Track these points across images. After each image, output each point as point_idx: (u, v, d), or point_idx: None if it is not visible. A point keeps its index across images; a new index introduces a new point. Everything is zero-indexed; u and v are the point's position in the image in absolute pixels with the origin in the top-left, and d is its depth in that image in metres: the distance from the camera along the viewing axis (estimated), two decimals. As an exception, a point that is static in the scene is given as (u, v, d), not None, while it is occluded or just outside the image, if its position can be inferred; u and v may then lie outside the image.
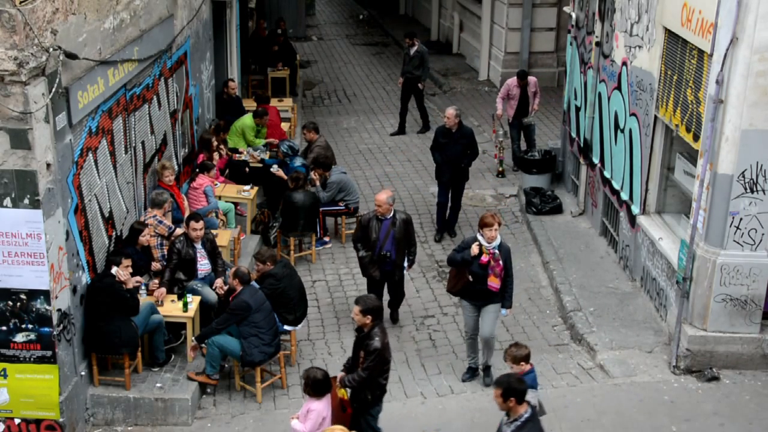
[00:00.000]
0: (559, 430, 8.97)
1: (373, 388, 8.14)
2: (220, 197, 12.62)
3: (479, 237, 9.42)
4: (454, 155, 12.82)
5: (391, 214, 10.45)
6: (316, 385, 7.80)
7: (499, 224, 9.41)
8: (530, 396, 7.22)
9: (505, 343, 10.67)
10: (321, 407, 7.78)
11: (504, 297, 9.57)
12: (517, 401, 6.77)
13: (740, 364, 9.67)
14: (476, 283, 9.45)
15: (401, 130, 17.99)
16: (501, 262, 9.34)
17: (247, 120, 14.56)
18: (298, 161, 13.71)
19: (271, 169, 13.59)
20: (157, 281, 10.18)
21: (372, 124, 18.49)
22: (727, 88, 8.83)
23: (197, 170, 12.53)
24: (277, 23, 20.06)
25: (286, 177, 13.11)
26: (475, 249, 9.31)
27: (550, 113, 18.34)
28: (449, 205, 13.31)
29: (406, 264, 10.71)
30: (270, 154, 14.37)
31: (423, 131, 17.91)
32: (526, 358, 8.02)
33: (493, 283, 9.39)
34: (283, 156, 13.90)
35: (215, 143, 13.35)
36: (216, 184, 12.71)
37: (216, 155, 13.35)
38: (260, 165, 14.00)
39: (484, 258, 9.32)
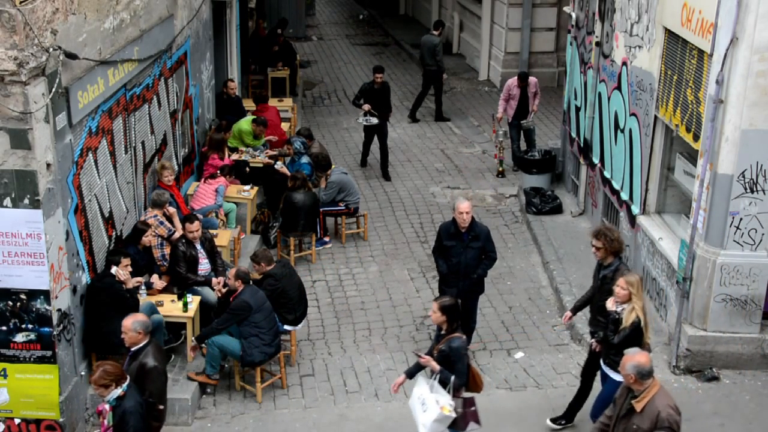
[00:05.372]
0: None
1: None
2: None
3: None
4: (464, 264, 9.72)
5: None
6: None
7: (109, 384, 6.99)
8: None
9: (506, 343, 10.70)
10: None
11: None
12: None
13: (740, 364, 9.67)
14: None
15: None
16: (107, 422, 7.06)
17: (244, 125, 14.49)
18: (305, 159, 13.69)
19: (275, 166, 13.61)
20: (162, 280, 10.22)
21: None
22: (727, 88, 8.83)
23: (219, 172, 12.65)
24: (279, 24, 20.07)
25: (289, 174, 13.13)
26: None
27: (550, 113, 18.34)
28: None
29: None
30: (278, 153, 14.36)
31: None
32: None
33: None
34: (294, 153, 13.87)
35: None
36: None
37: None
38: (260, 165, 14.01)
39: (99, 406, 7.16)
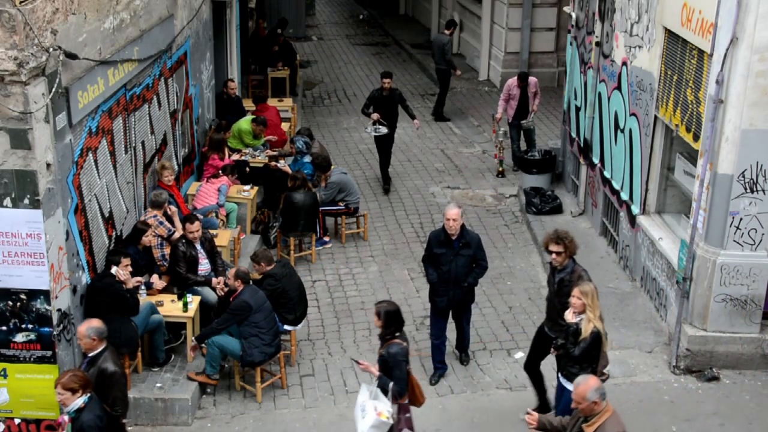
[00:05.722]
0: (559, 430, 8.98)
1: None
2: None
3: None
4: (454, 272, 9.47)
5: None
6: None
7: (77, 389, 6.96)
8: None
9: (506, 343, 10.70)
10: None
11: None
12: None
13: (740, 364, 9.66)
14: None
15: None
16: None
17: (244, 125, 14.50)
18: (308, 158, 13.69)
19: (279, 164, 13.62)
20: (162, 280, 10.22)
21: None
22: (727, 88, 8.83)
23: (221, 171, 12.74)
24: (279, 24, 20.14)
25: (291, 172, 13.15)
26: None
27: (550, 113, 18.34)
28: (455, 331, 10.13)
29: None
30: (279, 153, 14.36)
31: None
32: None
33: None
34: (297, 152, 13.88)
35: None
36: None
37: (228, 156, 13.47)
38: (260, 165, 14.02)
39: (59, 418, 7.26)
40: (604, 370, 8.10)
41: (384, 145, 15.09)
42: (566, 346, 7.84)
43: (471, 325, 10.25)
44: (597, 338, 7.67)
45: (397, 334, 7.85)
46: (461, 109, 19.30)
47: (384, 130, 14.64)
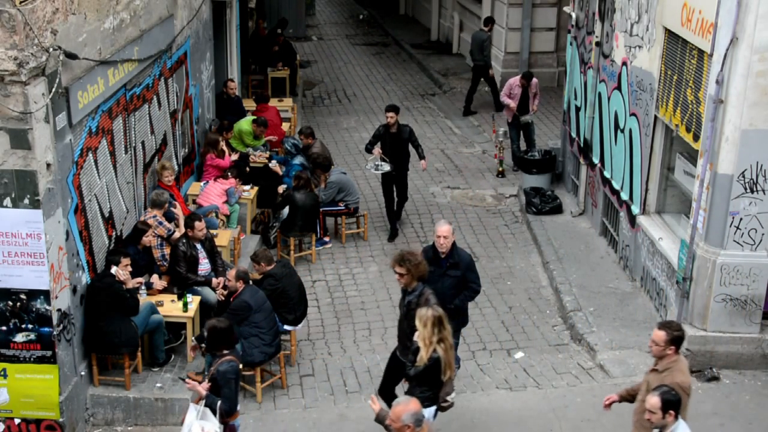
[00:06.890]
0: (559, 430, 8.98)
1: None
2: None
3: None
4: (440, 292, 8.61)
5: None
6: None
7: None
8: None
9: (506, 343, 10.70)
10: None
11: None
12: None
13: (740, 364, 9.66)
14: None
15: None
16: None
17: (245, 125, 14.52)
18: (298, 160, 13.71)
19: (270, 164, 13.63)
20: (162, 280, 10.22)
21: (372, 123, 18.43)
22: (727, 88, 8.84)
23: (228, 172, 12.80)
24: (279, 24, 20.16)
25: (281, 173, 13.18)
26: None
27: (550, 113, 18.35)
28: None
29: None
30: (269, 155, 14.39)
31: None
32: None
33: None
34: (285, 153, 13.90)
35: (221, 143, 13.44)
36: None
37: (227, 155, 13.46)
38: (260, 165, 14.03)
39: None
40: (448, 398, 7.82)
41: (392, 185, 13.37)
42: (407, 365, 7.71)
43: (462, 340, 9.89)
44: (434, 364, 7.46)
45: (227, 351, 7.78)
46: (461, 109, 19.28)
47: (386, 167, 13.02)
